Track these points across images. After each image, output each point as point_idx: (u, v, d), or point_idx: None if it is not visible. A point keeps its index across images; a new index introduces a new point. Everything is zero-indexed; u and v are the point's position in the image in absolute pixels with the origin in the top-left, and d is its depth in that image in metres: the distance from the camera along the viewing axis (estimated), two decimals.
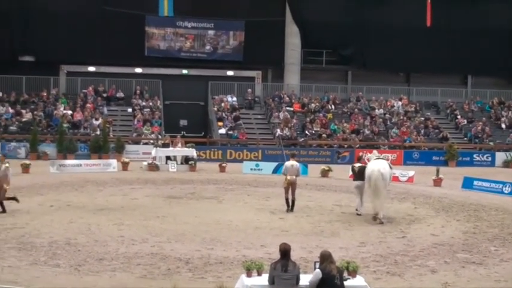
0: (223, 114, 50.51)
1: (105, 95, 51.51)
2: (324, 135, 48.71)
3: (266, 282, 11.89)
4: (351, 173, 25.91)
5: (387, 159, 28.49)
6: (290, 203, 24.33)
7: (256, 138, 48.50)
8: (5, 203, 22.91)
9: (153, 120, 48.55)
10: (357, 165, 24.98)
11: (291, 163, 24.41)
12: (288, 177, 24.03)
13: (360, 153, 27.00)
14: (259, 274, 12.33)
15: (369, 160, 24.98)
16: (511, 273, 16.03)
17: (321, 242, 19.03)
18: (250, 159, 43.13)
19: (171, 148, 39.42)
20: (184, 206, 25.29)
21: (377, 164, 23.59)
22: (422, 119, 52.79)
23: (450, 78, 57.92)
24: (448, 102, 55.69)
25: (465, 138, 51.46)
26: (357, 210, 24.47)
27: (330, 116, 51.71)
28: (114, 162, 38.68)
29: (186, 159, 39.36)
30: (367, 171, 23.56)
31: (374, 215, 23.17)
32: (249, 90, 54.08)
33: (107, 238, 18.82)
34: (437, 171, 34.80)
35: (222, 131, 48.87)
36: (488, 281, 15.34)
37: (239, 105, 52.72)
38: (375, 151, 26.93)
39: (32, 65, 51.62)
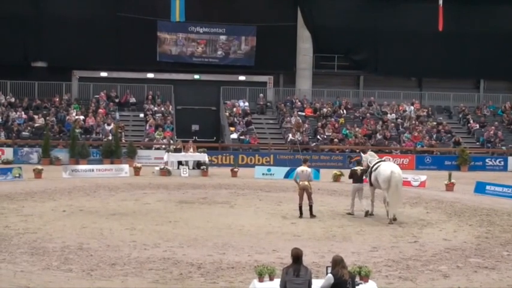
0: (235, 119, 50.56)
1: (117, 100, 51.67)
2: (335, 139, 48.69)
3: (278, 287, 11.89)
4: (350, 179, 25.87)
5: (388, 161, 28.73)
6: (309, 210, 24.29)
7: (268, 143, 48.46)
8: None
9: (165, 125, 48.65)
10: (359, 168, 25.14)
11: (301, 168, 24.33)
12: (300, 183, 24.02)
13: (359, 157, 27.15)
14: (271, 279, 12.33)
15: (359, 162, 25.34)
16: None
17: (332, 246, 19.01)
18: (262, 164, 43.15)
19: (183, 153, 39.42)
20: (196, 211, 25.30)
21: (392, 166, 24.17)
22: (435, 123, 52.62)
23: (462, 83, 57.84)
24: (460, 107, 55.55)
25: (477, 143, 51.28)
26: (368, 212, 24.94)
27: (341, 120, 51.69)
28: (126, 167, 38.78)
29: (198, 164, 39.37)
30: (384, 173, 23.89)
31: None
32: (261, 95, 54.13)
33: (119, 243, 18.85)
34: (450, 175, 34.70)
35: (234, 135, 48.90)
36: (500, 286, 15.28)
37: (251, 110, 52.78)
38: (370, 151, 27.11)
39: (45, 71, 52.01)
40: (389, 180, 23.56)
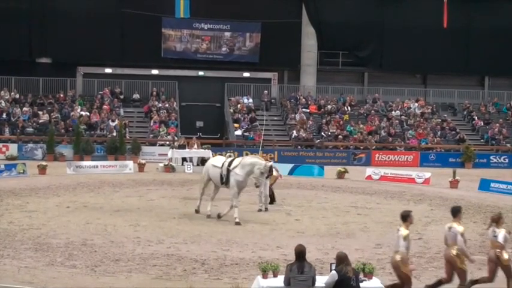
0: (239, 116, 50.53)
1: (121, 96, 51.66)
2: (340, 136, 48.65)
3: (282, 284, 11.89)
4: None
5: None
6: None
7: (272, 139, 48.42)
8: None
9: (169, 121, 48.65)
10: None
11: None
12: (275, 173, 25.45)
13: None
14: (274, 275, 12.34)
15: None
16: None
17: (336, 243, 19.01)
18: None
19: (187, 149, 39.49)
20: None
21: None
22: (439, 120, 52.54)
23: (467, 80, 57.68)
24: (465, 104, 55.41)
25: (482, 140, 51.20)
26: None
27: (346, 117, 51.62)
28: (130, 163, 38.81)
29: (202, 161, 39.36)
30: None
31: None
32: (265, 91, 54.02)
33: (123, 239, 18.88)
34: (454, 173, 34.66)
35: (238, 132, 48.88)
36: (504, 283, 15.24)
37: (255, 106, 52.72)
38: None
39: (49, 67, 52.02)
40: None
